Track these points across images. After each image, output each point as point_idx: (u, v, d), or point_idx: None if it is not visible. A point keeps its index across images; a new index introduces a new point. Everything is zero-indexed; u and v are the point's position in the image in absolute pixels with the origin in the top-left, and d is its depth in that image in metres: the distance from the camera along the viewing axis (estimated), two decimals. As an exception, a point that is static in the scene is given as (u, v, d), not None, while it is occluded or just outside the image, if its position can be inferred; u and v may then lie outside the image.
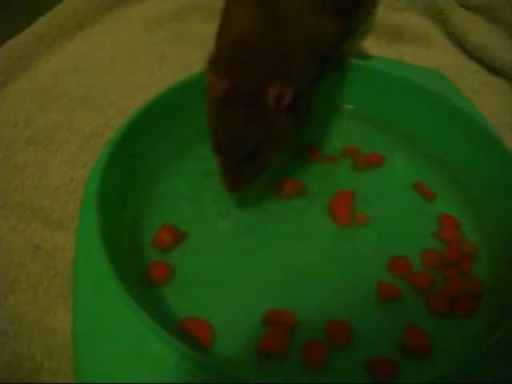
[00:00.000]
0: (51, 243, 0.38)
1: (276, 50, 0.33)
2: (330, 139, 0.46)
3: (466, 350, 0.31)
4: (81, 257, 0.32)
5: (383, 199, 0.41)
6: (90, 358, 0.27)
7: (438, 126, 0.44)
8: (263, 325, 0.32)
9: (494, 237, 0.37)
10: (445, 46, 0.61)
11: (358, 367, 0.31)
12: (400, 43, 0.61)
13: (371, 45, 0.56)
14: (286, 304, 0.33)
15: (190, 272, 0.35)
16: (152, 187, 0.41)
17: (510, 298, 0.33)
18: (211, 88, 0.33)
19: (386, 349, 0.31)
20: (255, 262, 0.36)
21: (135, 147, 0.40)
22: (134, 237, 0.37)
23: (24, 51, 0.55)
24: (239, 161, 0.34)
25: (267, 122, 0.33)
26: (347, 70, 0.46)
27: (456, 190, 0.41)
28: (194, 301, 0.34)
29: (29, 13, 0.60)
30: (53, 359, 0.31)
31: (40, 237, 0.38)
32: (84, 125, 0.48)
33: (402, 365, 0.31)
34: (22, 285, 0.35)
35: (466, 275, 0.35)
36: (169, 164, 0.43)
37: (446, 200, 0.41)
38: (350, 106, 0.48)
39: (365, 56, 0.48)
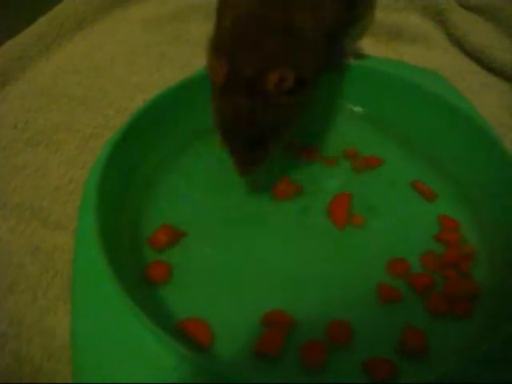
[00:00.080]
0: (50, 244, 0.38)
1: (276, 33, 0.33)
2: (329, 140, 0.46)
3: (464, 350, 0.31)
4: (80, 257, 0.32)
5: (382, 200, 0.41)
6: (89, 359, 0.27)
7: (437, 126, 0.44)
8: (262, 325, 0.32)
9: (493, 238, 0.37)
10: (444, 46, 0.61)
11: (357, 368, 0.31)
12: (399, 43, 0.61)
13: (370, 45, 0.56)
14: (286, 304, 0.33)
15: (189, 272, 0.35)
16: (151, 187, 0.41)
17: (508, 298, 0.33)
18: (212, 74, 0.33)
19: (384, 349, 0.31)
20: (255, 262, 0.36)
21: (135, 147, 0.40)
22: (134, 237, 0.37)
23: (23, 52, 0.56)
24: (245, 146, 0.35)
25: (269, 107, 0.33)
26: (346, 70, 0.46)
27: (455, 191, 0.41)
28: (194, 301, 0.34)
29: (29, 13, 0.60)
30: (52, 361, 0.31)
31: (39, 237, 0.38)
32: (83, 125, 0.48)
33: (401, 365, 0.31)
34: (21, 286, 0.35)
35: (464, 276, 0.36)
36: (168, 164, 0.43)
37: (445, 201, 0.41)
38: (348, 107, 0.48)
39: (364, 56, 0.48)
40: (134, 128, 0.40)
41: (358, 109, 0.48)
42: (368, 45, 0.55)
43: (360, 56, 0.48)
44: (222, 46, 0.34)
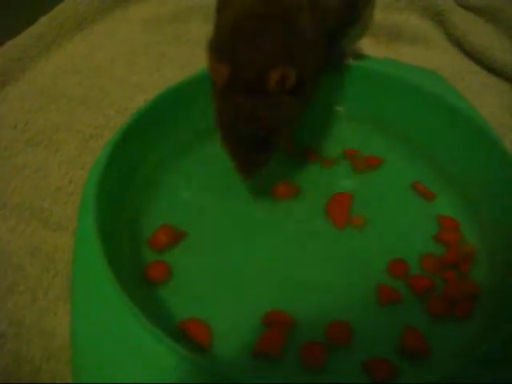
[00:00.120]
0: (50, 244, 0.38)
1: (276, 33, 0.33)
2: (329, 141, 0.46)
3: (464, 351, 0.31)
4: (80, 258, 0.32)
5: (382, 201, 0.41)
6: (89, 359, 0.27)
7: (437, 127, 0.43)
8: (263, 325, 0.32)
9: (493, 238, 0.37)
10: (444, 46, 0.61)
11: (357, 368, 0.31)
12: (399, 44, 0.61)
13: (370, 45, 0.56)
14: (286, 305, 0.33)
15: (189, 272, 0.35)
16: (151, 187, 0.41)
17: (508, 298, 0.33)
18: (214, 75, 0.33)
19: (384, 350, 0.31)
20: (255, 262, 0.36)
21: (135, 148, 0.40)
22: (134, 237, 0.37)
23: (23, 52, 0.56)
24: (247, 146, 0.34)
25: (272, 106, 0.33)
26: (346, 71, 0.46)
27: (455, 191, 0.41)
28: (193, 301, 0.34)
29: (29, 13, 0.60)
30: (51, 361, 0.31)
31: (39, 238, 0.38)
32: (83, 125, 0.48)
33: (401, 366, 0.31)
34: (20, 287, 0.35)
35: (464, 277, 0.36)
36: (168, 164, 0.43)
37: (445, 201, 0.41)
38: (348, 107, 0.48)
39: (363, 56, 0.48)
40: (134, 128, 0.39)
41: (357, 109, 0.48)
42: (368, 45, 0.55)
43: (360, 56, 0.48)
44: (222, 46, 0.34)
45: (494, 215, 0.38)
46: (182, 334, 0.32)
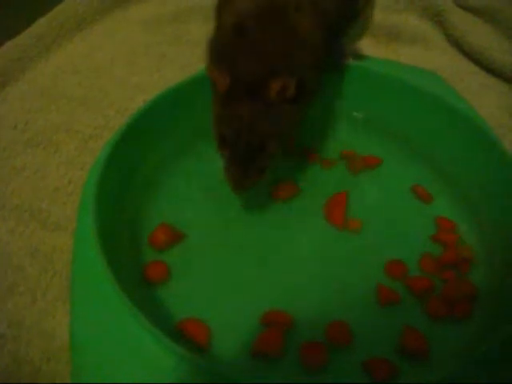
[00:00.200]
0: (50, 245, 0.38)
1: (277, 38, 0.33)
2: (327, 141, 0.46)
3: (463, 351, 0.31)
4: (79, 258, 0.32)
5: (381, 201, 0.41)
6: (88, 359, 0.27)
7: (436, 127, 0.44)
8: (262, 325, 0.32)
9: (492, 238, 0.37)
10: (443, 47, 0.61)
11: (357, 368, 0.31)
12: (398, 44, 0.61)
13: (369, 46, 0.56)
14: (285, 305, 0.33)
15: (187, 272, 0.35)
16: (151, 187, 0.41)
17: (507, 299, 0.33)
18: (214, 82, 0.33)
19: (384, 350, 0.32)
20: (254, 262, 0.36)
21: (134, 148, 0.40)
22: (133, 238, 0.37)
23: (23, 52, 0.56)
24: (245, 154, 0.34)
25: (271, 114, 0.33)
26: (345, 71, 0.47)
27: (454, 191, 0.41)
28: (192, 301, 0.34)
29: (28, 13, 0.60)
30: (51, 362, 0.31)
31: (38, 239, 0.38)
32: (83, 126, 0.48)
33: (401, 366, 0.31)
34: (20, 288, 0.35)
35: (463, 277, 0.36)
36: (169, 164, 0.43)
37: (443, 202, 0.41)
38: (347, 108, 0.48)
39: (363, 57, 0.48)
40: (134, 128, 0.40)
41: (356, 110, 0.48)
42: (367, 46, 0.55)
43: (359, 57, 0.48)
44: (222, 50, 0.34)
45: (493, 216, 0.38)
46: (181, 334, 0.32)
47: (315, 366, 0.31)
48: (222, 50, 0.34)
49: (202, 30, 0.61)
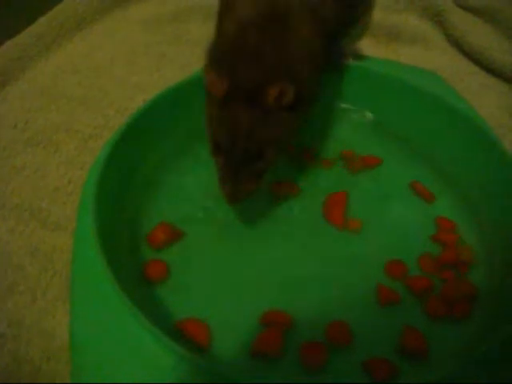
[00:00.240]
0: (49, 245, 0.38)
1: (276, 45, 0.33)
2: (327, 141, 0.46)
3: (463, 351, 0.31)
4: (79, 258, 0.32)
5: (381, 201, 0.41)
6: (88, 359, 0.27)
7: (436, 127, 0.44)
8: (261, 325, 0.32)
9: (492, 238, 0.37)
10: (443, 47, 0.61)
11: (357, 368, 0.31)
12: (398, 44, 0.61)
13: (369, 46, 0.56)
14: (285, 305, 0.33)
15: (187, 272, 0.35)
16: (151, 187, 0.41)
17: (507, 299, 0.33)
18: (211, 87, 0.33)
19: (384, 350, 0.32)
20: (254, 262, 0.36)
21: (134, 148, 0.40)
22: (133, 237, 0.37)
23: (23, 52, 0.56)
24: (240, 161, 0.33)
25: (269, 121, 0.33)
26: (345, 71, 0.47)
27: (454, 191, 0.41)
28: (192, 301, 0.34)
29: (28, 13, 0.60)
30: (51, 362, 0.31)
31: (38, 238, 0.38)
32: (83, 126, 0.48)
33: (401, 366, 0.31)
34: (20, 287, 0.35)
35: (463, 278, 0.36)
36: (168, 164, 0.43)
37: (443, 202, 0.41)
38: (347, 108, 0.48)
39: (363, 57, 0.48)
40: (134, 128, 0.40)
41: (356, 110, 0.48)
42: (367, 45, 0.55)
43: (359, 57, 0.48)
44: (222, 56, 0.34)
45: (493, 215, 0.38)
46: (181, 334, 0.32)
47: (315, 366, 0.31)
48: (221, 57, 0.34)
49: (201, 30, 0.61)
